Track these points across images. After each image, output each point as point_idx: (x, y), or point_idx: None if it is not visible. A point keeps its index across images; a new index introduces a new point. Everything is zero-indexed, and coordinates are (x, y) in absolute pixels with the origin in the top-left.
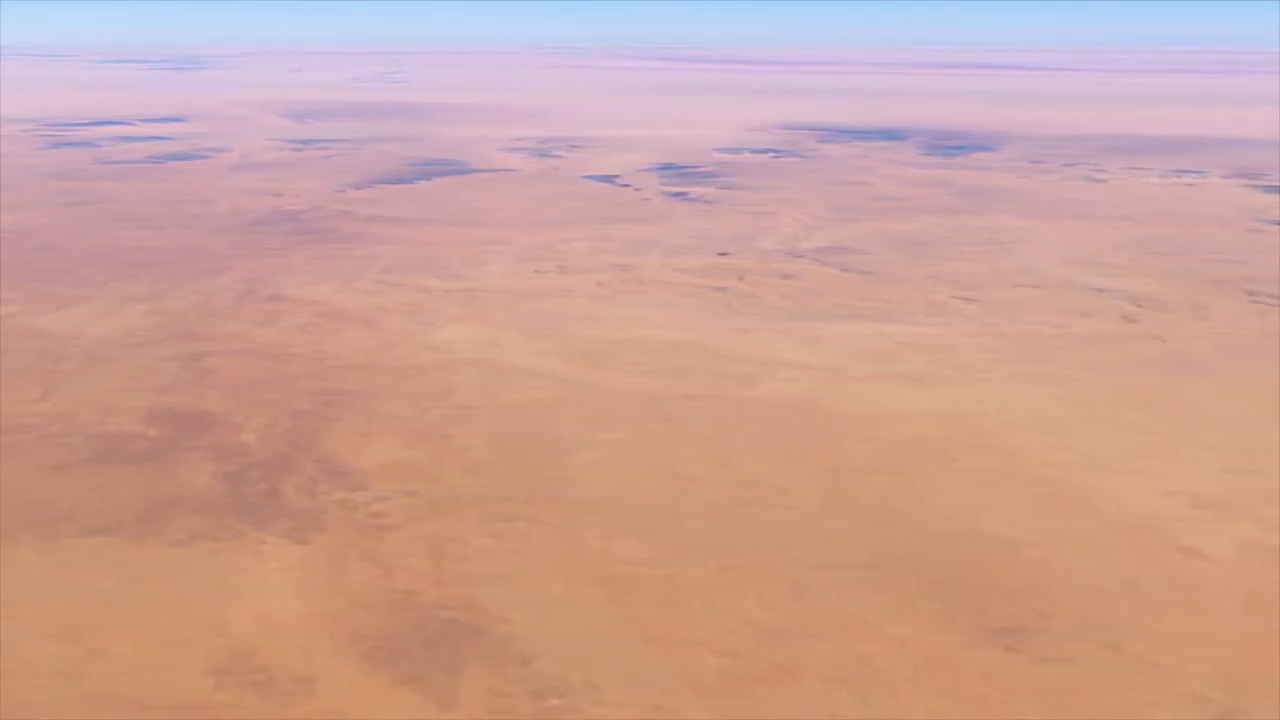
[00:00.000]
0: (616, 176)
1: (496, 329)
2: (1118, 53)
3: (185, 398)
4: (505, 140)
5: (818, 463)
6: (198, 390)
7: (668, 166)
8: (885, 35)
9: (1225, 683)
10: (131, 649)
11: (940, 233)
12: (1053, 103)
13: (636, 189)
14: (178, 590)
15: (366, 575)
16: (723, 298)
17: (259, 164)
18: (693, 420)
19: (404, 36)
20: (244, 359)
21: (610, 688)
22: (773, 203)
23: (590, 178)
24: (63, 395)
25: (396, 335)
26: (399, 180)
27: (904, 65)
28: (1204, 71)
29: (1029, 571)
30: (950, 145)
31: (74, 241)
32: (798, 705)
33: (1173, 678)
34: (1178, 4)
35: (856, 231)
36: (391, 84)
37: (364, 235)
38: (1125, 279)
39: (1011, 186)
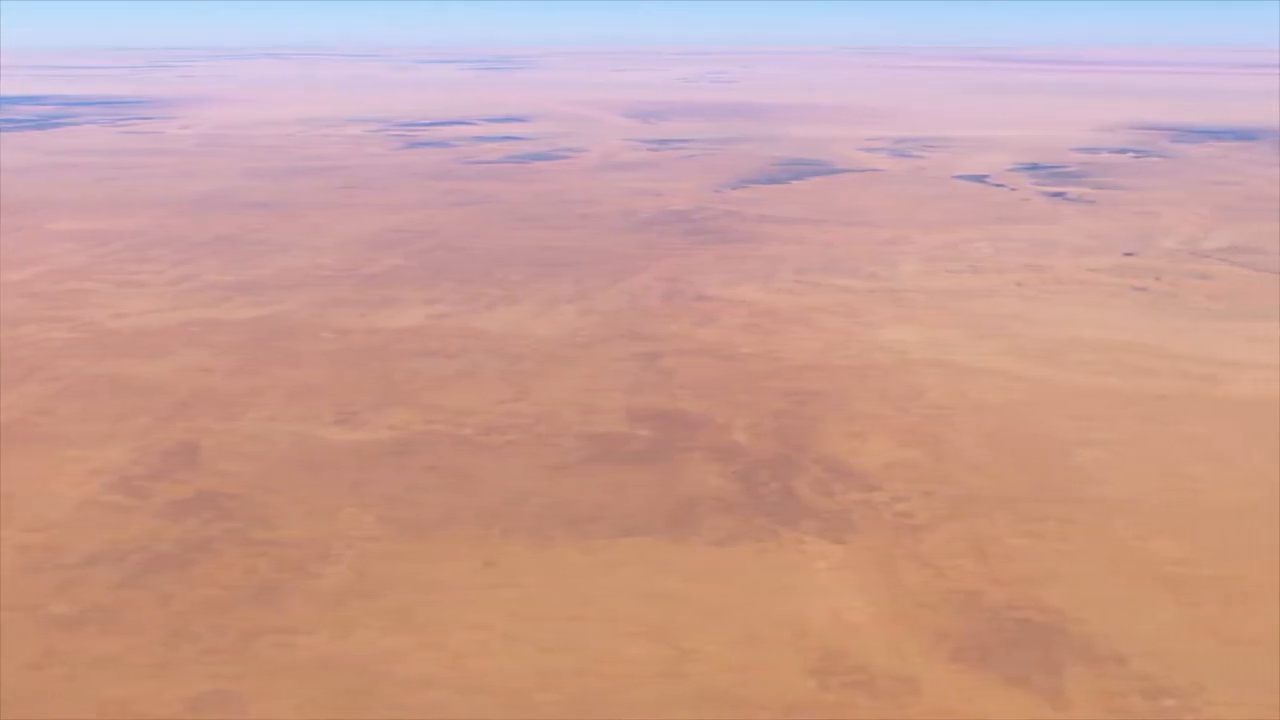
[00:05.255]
0: (986, 176)
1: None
2: None
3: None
4: (858, 140)
5: None
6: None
7: (1033, 166)
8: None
9: None
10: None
11: None
12: None
13: (1012, 189)
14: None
15: None
16: (1147, 298)
17: (624, 164)
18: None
19: (693, 37)
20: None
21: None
22: (1153, 202)
23: (960, 178)
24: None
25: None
26: (771, 180)
27: (1186, 65)
28: None
29: None
30: None
31: (478, 241)
32: None
33: None
34: None
35: (1251, 232)
36: (718, 84)
37: (761, 235)
38: None
39: None
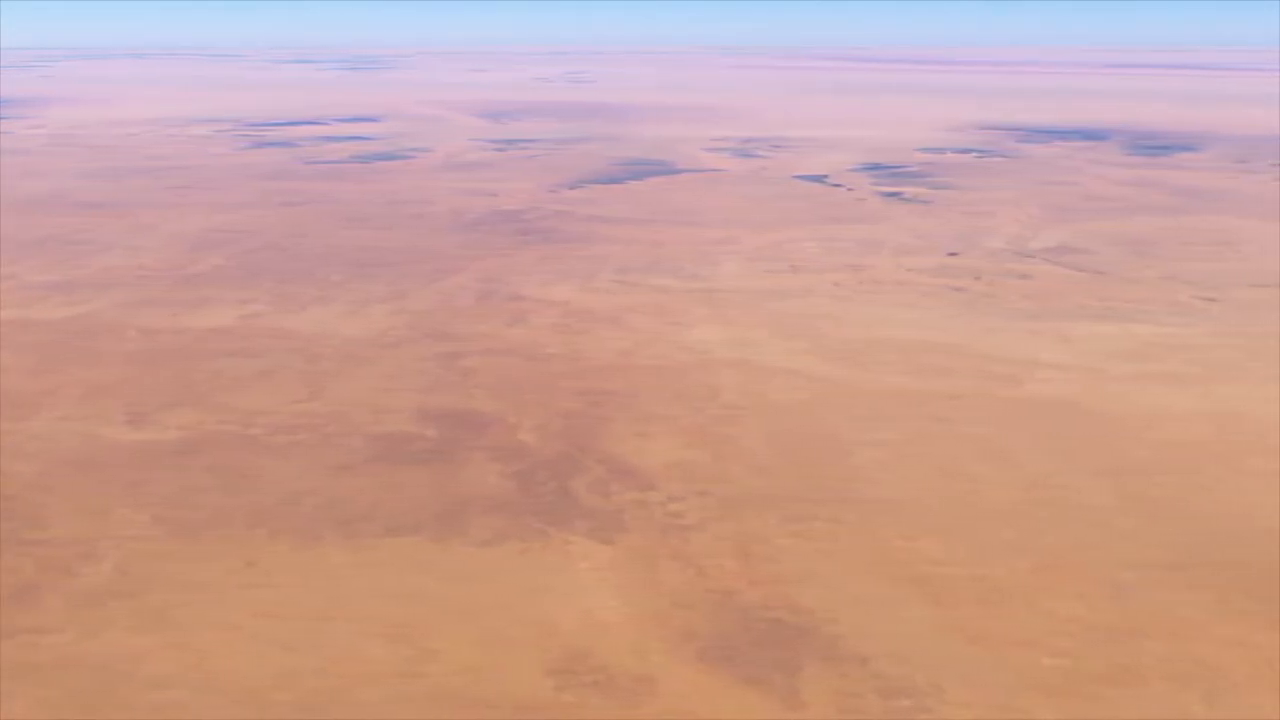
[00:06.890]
0: (826, 176)
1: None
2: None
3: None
4: (705, 140)
5: (1099, 463)
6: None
7: (875, 166)
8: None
9: None
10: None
11: (1165, 233)
12: (1240, 103)
13: (849, 189)
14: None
15: None
16: (964, 298)
17: (466, 164)
18: (964, 420)
19: (565, 37)
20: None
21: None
22: (987, 202)
23: (800, 178)
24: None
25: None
26: (610, 180)
27: (1052, 65)
28: None
29: None
30: (1151, 146)
31: (304, 241)
32: (1145, 705)
33: None
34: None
35: (1079, 231)
36: (576, 84)
37: (589, 235)
38: None
39: (1222, 187)
